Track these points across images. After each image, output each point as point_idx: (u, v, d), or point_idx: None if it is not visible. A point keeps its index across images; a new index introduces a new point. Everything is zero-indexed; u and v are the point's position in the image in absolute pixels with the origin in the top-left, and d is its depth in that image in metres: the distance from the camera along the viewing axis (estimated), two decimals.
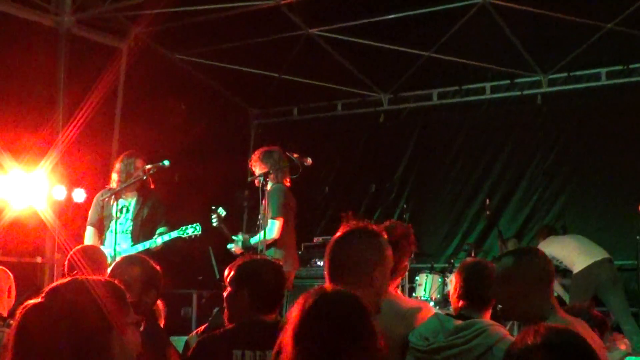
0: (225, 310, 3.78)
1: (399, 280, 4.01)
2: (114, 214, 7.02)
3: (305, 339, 2.24)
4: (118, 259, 5.13)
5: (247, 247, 7.41)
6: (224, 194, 10.95)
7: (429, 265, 9.50)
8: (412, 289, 9.15)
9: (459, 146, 11.09)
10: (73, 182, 8.61)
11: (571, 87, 10.23)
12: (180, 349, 4.72)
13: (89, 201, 7.93)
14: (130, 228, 7.29)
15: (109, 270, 4.52)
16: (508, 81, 10.57)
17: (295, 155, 7.40)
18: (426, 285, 8.91)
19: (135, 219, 7.31)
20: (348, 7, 9.09)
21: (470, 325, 3.47)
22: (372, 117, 11.55)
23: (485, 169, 10.88)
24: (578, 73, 10.13)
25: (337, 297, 2.35)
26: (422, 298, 8.73)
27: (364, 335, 2.26)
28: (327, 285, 2.52)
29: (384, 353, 2.29)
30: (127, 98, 9.69)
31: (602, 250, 8.44)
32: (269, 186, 7.34)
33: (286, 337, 2.29)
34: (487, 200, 9.93)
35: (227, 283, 4.31)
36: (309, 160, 7.35)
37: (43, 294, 2.20)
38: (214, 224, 7.51)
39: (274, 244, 7.27)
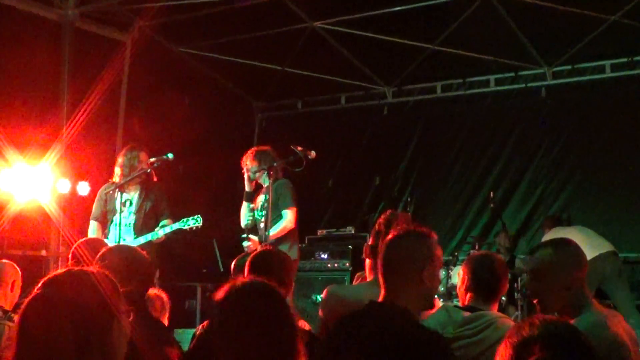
0: None
1: None
2: (117, 207, 7.02)
3: (220, 331, 2.32)
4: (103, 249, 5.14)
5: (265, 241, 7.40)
6: (228, 187, 10.96)
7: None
8: None
9: (463, 139, 11.07)
10: (77, 176, 8.60)
11: (575, 79, 10.20)
12: (183, 342, 4.71)
13: (93, 194, 7.93)
14: (133, 221, 7.31)
15: None
16: (512, 74, 10.52)
17: (299, 149, 7.39)
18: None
19: (138, 212, 7.33)
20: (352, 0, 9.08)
21: (479, 317, 3.46)
22: (376, 110, 11.53)
23: (489, 161, 10.86)
24: (582, 65, 10.09)
25: (248, 289, 2.40)
26: None
27: (276, 325, 2.30)
28: (243, 278, 2.53)
29: (296, 343, 2.30)
30: (131, 91, 9.68)
31: (607, 242, 8.41)
32: (265, 182, 7.39)
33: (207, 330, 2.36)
34: (492, 193, 9.89)
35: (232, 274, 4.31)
36: (313, 153, 7.35)
37: (39, 286, 2.24)
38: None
39: (285, 235, 7.30)
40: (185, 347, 4.20)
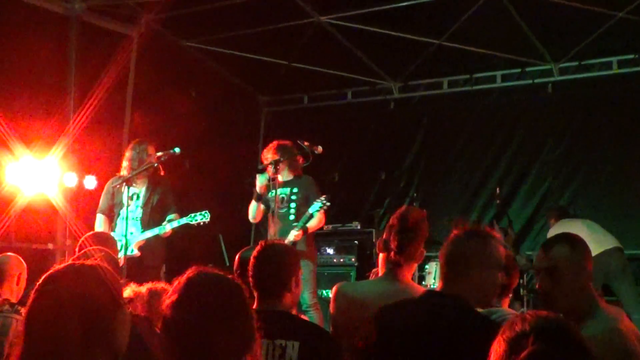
0: None
1: (415, 265, 3.99)
2: (124, 201, 7.04)
3: (173, 323, 2.32)
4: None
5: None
6: (234, 182, 10.97)
7: (439, 253, 9.47)
8: (421, 277, 9.14)
9: (469, 135, 11.06)
10: (84, 169, 8.63)
11: (582, 75, 10.17)
12: None
13: (99, 188, 7.95)
14: (140, 215, 7.33)
15: None
16: (519, 70, 10.50)
17: (305, 143, 7.42)
18: (435, 274, 8.89)
19: (145, 206, 7.35)
20: None
21: (490, 313, 3.46)
22: (382, 105, 11.52)
23: (495, 157, 10.86)
24: (589, 62, 10.06)
25: (203, 280, 2.42)
26: (432, 286, 8.71)
27: (233, 317, 2.32)
28: (199, 267, 2.55)
29: (253, 335, 2.31)
30: (137, 85, 9.68)
31: (613, 238, 8.39)
32: (285, 176, 7.51)
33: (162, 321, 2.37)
34: (497, 189, 9.89)
35: (236, 269, 4.31)
36: (320, 149, 7.38)
37: (44, 281, 2.27)
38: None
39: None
40: None
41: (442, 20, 9.48)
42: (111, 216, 7.43)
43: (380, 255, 3.91)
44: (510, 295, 8.22)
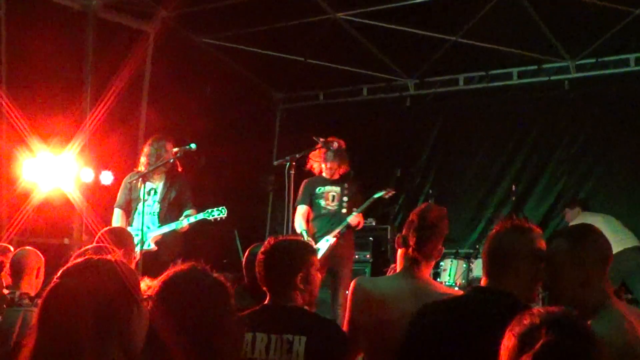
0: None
1: (433, 263, 3.98)
2: (141, 196, 7.08)
3: (160, 316, 2.34)
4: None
5: None
6: (249, 178, 11.00)
7: (454, 250, 9.47)
8: (436, 274, 9.13)
9: (484, 131, 11.04)
10: (100, 165, 8.68)
11: (599, 72, 10.10)
12: None
13: (116, 183, 7.99)
14: (158, 210, 7.37)
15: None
16: (535, 67, 10.45)
17: (321, 140, 7.43)
18: (451, 271, 8.89)
19: (162, 201, 7.39)
20: None
21: None
22: (398, 102, 11.49)
23: (511, 154, 10.83)
24: (606, 59, 9.99)
25: (187, 276, 2.45)
26: (447, 283, 8.71)
27: (216, 312, 2.35)
28: (186, 263, 2.57)
29: (237, 331, 2.34)
30: (153, 81, 9.72)
31: (633, 236, 8.34)
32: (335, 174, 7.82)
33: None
34: (513, 186, 9.86)
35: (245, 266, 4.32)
36: (335, 145, 7.38)
37: (59, 275, 2.27)
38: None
39: None
40: None
41: (458, 17, 9.45)
42: (129, 211, 7.46)
43: (399, 251, 3.90)
44: None
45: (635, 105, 9.89)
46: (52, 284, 2.25)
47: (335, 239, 7.62)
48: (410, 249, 3.77)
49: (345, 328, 3.79)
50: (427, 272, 3.85)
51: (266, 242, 3.68)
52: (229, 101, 10.80)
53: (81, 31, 8.85)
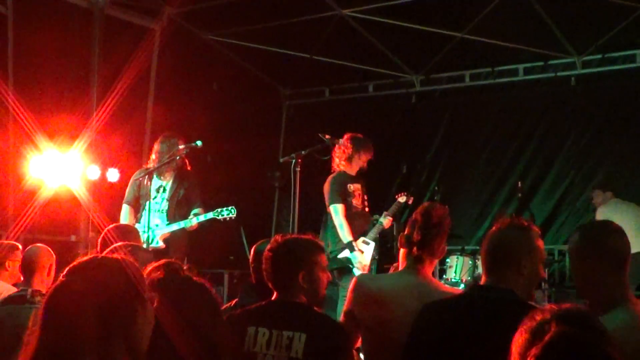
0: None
1: (435, 262, 3.99)
2: (151, 193, 7.08)
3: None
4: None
5: None
6: (255, 174, 11.00)
7: (460, 247, 9.47)
8: (442, 271, 9.13)
9: (491, 128, 11.03)
10: (107, 162, 8.69)
11: (606, 68, 10.10)
12: None
13: (122, 181, 8.01)
14: (166, 207, 7.36)
15: None
16: (542, 63, 10.45)
17: (327, 137, 7.41)
18: (457, 268, 8.88)
19: (171, 198, 7.38)
20: None
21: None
22: (404, 99, 11.50)
23: (518, 151, 10.83)
24: (613, 55, 9.99)
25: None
26: (453, 280, 8.71)
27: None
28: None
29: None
30: (159, 78, 9.74)
31: None
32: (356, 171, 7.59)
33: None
34: (519, 183, 9.86)
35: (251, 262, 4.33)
36: (341, 142, 7.36)
37: (65, 273, 2.25)
38: None
39: None
40: None
41: (464, 13, 9.45)
42: (137, 207, 7.45)
43: (401, 251, 3.91)
44: None
45: None
46: (57, 282, 2.23)
47: (374, 243, 7.55)
48: (415, 247, 3.78)
49: (341, 319, 3.84)
50: (430, 270, 3.86)
51: (273, 240, 3.70)
52: (235, 98, 10.81)
53: (88, 29, 8.86)
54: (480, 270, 8.59)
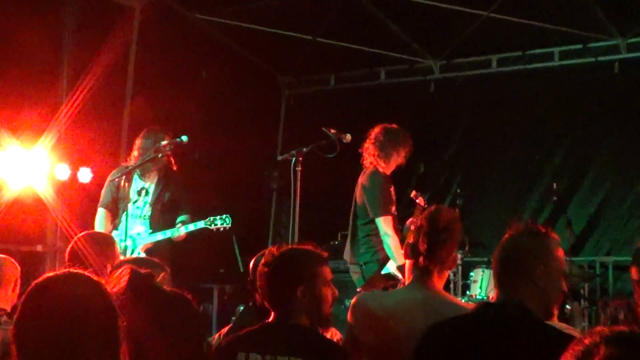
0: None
1: (447, 273, 3.96)
2: (131, 195, 7.04)
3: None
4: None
5: None
6: (250, 174, 10.98)
7: (486, 258, 9.41)
8: (465, 287, 9.09)
9: (521, 121, 11.00)
10: (78, 161, 8.69)
11: None
12: None
13: (95, 182, 7.98)
14: (150, 213, 7.34)
15: None
16: (580, 46, 10.43)
17: (332, 131, 7.36)
18: (482, 282, 8.82)
19: (155, 203, 7.36)
20: None
21: None
22: (421, 87, 11.51)
23: (552, 147, 10.82)
24: None
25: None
26: (478, 297, 8.64)
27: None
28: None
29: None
30: (140, 64, 9.74)
31: None
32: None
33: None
34: (554, 184, 9.80)
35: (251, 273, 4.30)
36: (349, 137, 7.33)
37: (33, 289, 2.28)
38: None
39: None
40: None
41: None
42: (115, 211, 7.41)
43: (407, 262, 3.90)
44: (568, 307, 8.16)
45: None
46: (26, 299, 2.26)
47: None
48: (421, 257, 3.77)
49: (342, 342, 3.91)
50: (440, 283, 3.86)
51: (267, 252, 3.71)
52: (227, 87, 10.82)
53: (58, 8, 8.85)
54: None
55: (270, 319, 3.59)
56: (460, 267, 9.06)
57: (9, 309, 5.01)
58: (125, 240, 6.87)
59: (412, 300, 3.75)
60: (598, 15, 9.53)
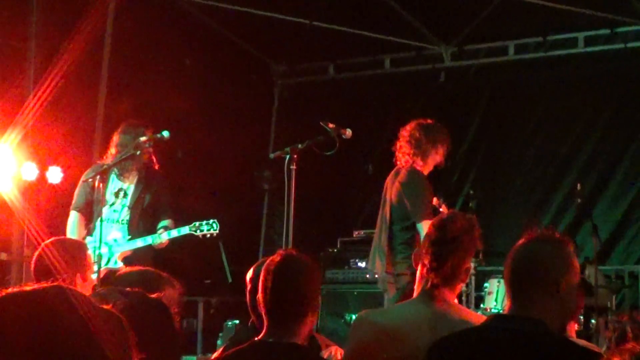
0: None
1: (459, 286, 3.98)
2: (107, 198, 7.06)
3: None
4: None
5: None
6: (239, 173, 10.98)
7: (502, 268, 9.42)
8: (479, 299, 9.09)
9: (541, 114, 11.03)
10: (47, 159, 8.66)
11: None
12: None
13: (66, 182, 7.98)
14: (128, 217, 7.36)
15: None
16: (607, 30, 10.44)
17: (330, 126, 7.38)
18: (498, 294, 8.82)
19: (134, 206, 7.37)
20: None
21: None
22: (430, 77, 11.54)
23: (576, 143, 10.82)
24: None
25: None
26: (493, 310, 8.65)
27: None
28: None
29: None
30: (116, 51, 9.72)
31: None
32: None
33: None
34: (578, 185, 9.80)
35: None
36: (349, 132, 7.34)
37: None
38: None
39: None
40: None
41: None
42: (89, 215, 7.42)
43: (418, 271, 3.91)
44: (593, 321, 8.19)
45: None
46: None
47: None
48: (425, 269, 3.78)
49: None
50: (451, 296, 3.86)
51: (277, 257, 3.65)
52: (213, 77, 10.83)
53: None
54: None
55: (260, 336, 3.54)
56: (473, 278, 9.06)
57: None
58: (100, 247, 6.86)
59: (418, 316, 3.76)
60: None
